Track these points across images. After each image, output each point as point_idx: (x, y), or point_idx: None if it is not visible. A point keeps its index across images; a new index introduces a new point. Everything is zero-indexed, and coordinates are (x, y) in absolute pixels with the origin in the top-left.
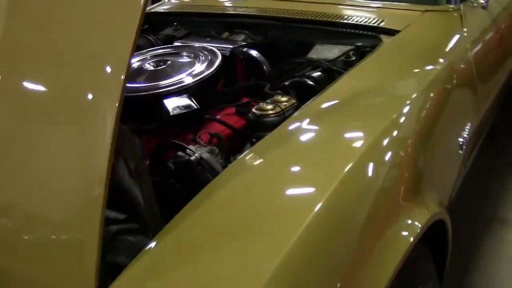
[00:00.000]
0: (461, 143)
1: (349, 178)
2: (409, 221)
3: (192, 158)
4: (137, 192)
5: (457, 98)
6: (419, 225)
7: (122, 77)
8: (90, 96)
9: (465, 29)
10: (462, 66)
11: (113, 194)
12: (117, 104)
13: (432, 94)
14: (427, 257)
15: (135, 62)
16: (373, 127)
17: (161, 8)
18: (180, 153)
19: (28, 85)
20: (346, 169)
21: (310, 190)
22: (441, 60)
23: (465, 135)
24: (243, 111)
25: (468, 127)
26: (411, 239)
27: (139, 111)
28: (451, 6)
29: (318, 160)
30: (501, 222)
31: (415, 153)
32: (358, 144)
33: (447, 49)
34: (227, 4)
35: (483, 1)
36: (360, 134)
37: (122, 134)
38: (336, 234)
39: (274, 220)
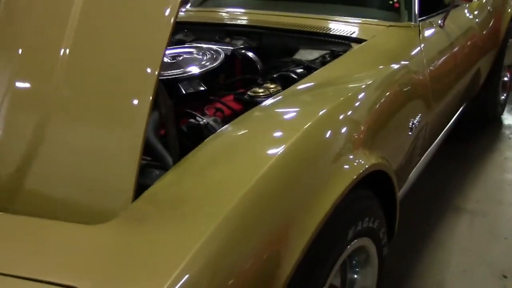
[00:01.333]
0: (410, 126)
1: (308, 131)
2: (351, 156)
3: (201, 123)
4: (159, 145)
5: (411, 92)
6: (361, 163)
7: (156, 72)
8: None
9: (422, 42)
10: (416, 67)
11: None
12: (151, 98)
13: (388, 86)
14: (373, 200)
15: None
16: (332, 101)
17: None
18: (192, 120)
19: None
20: (306, 126)
21: (278, 137)
22: (399, 63)
23: (415, 122)
24: (240, 98)
25: (418, 117)
26: (354, 176)
27: None
28: (412, 23)
29: (287, 120)
30: (456, 209)
31: (370, 121)
32: (317, 111)
33: (405, 54)
34: (228, 16)
35: (440, 21)
36: (321, 105)
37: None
38: (296, 166)
39: (253, 152)
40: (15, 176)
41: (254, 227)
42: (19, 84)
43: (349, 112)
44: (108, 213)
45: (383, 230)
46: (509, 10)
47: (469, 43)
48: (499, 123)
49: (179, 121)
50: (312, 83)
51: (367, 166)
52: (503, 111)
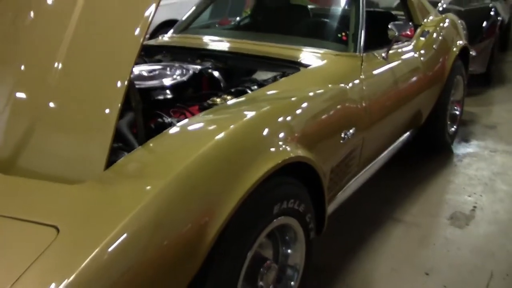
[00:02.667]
0: (342, 136)
1: (247, 122)
2: (281, 143)
3: (166, 121)
4: (130, 136)
5: (345, 109)
6: (287, 150)
7: (126, 83)
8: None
9: (363, 70)
10: (354, 89)
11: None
12: (119, 105)
13: (325, 98)
14: (300, 188)
15: (136, 71)
16: (271, 105)
17: (155, 42)
18: (159, 119)
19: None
20: (245, 118)
21: (221, 126)
22: (337, 83)
23: (348, 133)
24: (201, 106)
25: (352, 130)
26: (280, 160)
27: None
28: (356, 53)
29: (231, 115)
30: (394, 220)
31: (304, 122)
32: (257, 110)
33: (345, 78)
34: (202, 42)
35: (383, 54)
36: (262, 106)
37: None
38: (232, 147)
39: (199, 136)
40: (10, 160)
41: (191, 195)
42: (18, 95)
43: (287, 114)
44: (85, 178)
45: (309, 215)
46: (454, 49)
47: (412, 76)
48: (449, 152)
49: (150, 120)
50: (259, 94)
51: (292, 155)
52: (453, 141)
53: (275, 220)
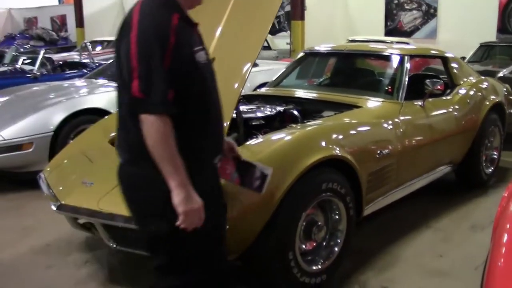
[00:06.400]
0: (378, 152)
1: (305, 132)
2: (330, 145)
3: (259, 137)
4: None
5: (381, 135)
6: (335, 148)
7: (232, 115)
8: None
9: (402, 112)
10: (391, 125)
11: None
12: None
13: (368, 126)
14: (341, 176)
15: (240, 109)
16: (326, 124)
17: (254, 92)
18: (254, 136)
19: None
20: (306, 129)
21: (287, 135)
22: (380, 119)
23: (383, 152)
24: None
25: (386, 151)
26: (327, 154)
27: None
28: (397, 101)
29: (297, 130)
30: (427, 226)
31: (350, 137)
32: (316, 127)
33: (386, 116)
34: (286, 93)
35: (420, 103)
36: (319, 125)
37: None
38: (299, 142)
39: (280, 137)
40: None
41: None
42: None
43: (338, 130)
44: None
45: (349, 198)
46: (487, 103)
47: (444, 122)
48: (486, 187)
49: (248, 137)
50: (321, 121)
51: (334, 153)
52: (490, 179)
53: (323, 194)
